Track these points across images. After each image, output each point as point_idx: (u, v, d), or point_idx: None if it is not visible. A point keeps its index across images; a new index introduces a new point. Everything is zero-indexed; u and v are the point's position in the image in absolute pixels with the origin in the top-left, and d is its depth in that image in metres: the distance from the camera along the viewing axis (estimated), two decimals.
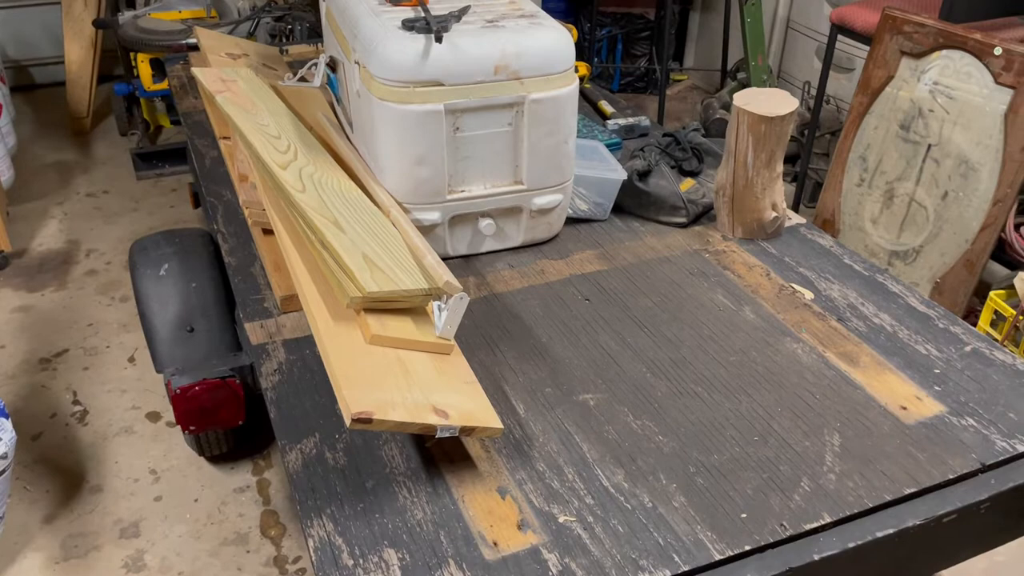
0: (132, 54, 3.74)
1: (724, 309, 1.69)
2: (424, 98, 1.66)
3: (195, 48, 3.05)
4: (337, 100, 2.15)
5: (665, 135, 2.18)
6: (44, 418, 2.36)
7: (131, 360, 2.59)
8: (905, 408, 1.42)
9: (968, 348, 1.57)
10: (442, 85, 1.66)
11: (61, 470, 2.19)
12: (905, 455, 1.32)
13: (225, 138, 2.25)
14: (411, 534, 1.19)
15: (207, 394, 1.72)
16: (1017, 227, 2.46)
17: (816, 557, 1.16)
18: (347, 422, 1.16)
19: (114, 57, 4.27)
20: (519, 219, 1.88)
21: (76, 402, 2.42)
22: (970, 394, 1.45)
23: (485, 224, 1.84)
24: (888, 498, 1.24)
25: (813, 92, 3.69)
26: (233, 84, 2.10)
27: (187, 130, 2.58)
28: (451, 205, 1.79)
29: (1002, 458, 1.32)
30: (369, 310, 1.39)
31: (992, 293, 2.34)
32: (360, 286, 1.36)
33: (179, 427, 2.28)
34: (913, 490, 1.26)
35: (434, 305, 1.45)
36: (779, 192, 1.90)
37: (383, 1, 1.84)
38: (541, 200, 1.85)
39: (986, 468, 1.31)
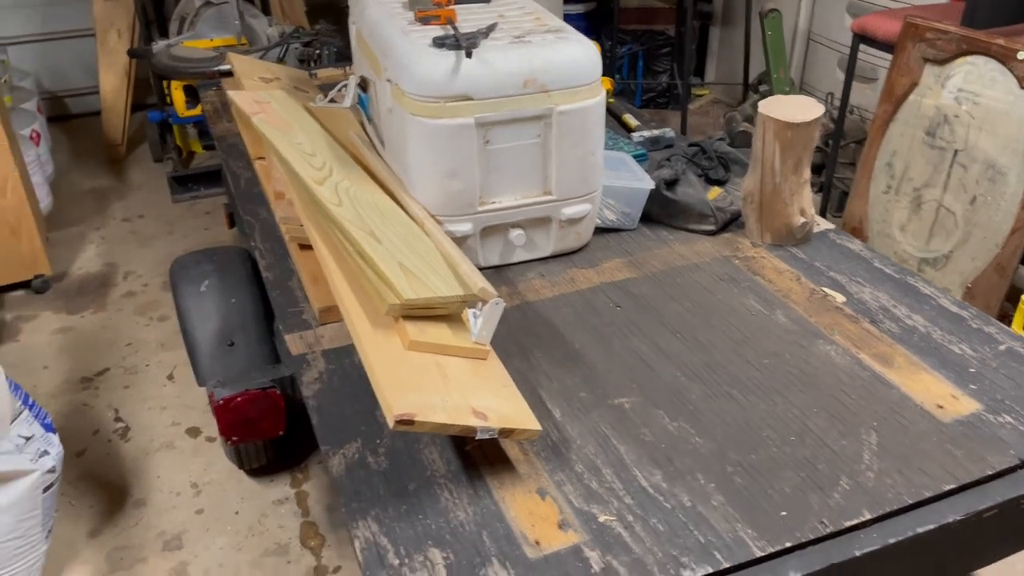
0: (165, 82, 3.84)
1: (756, 314, 1.71)
2: (455, 112, 1.70)
3: (227, 74, 3.13)
4: (368, 119, 2.20)
5: (691, 145, 2.21)
6: (87, 435, 2.42)
7: (170, 378, 2.64)
8: (941, 407, 1.42)
9: (1003, 347, 1.57)
10: (472, 99, 1.70)
11: (105, 485, 2.24)
12: (943, 452, 1.32)
13: (260, 158, 2.32)
14: (454, 534, 1.21)
15: (249, 405, 1.76)
16: None
17: (858, 553, 1.16)
18: (390, 423, 1.19)
19: (147, 86, 4.39)
20: (549, 229, 1.91)
21: (118, 419, 2.47)
22: (1006, 392, 1.45)
23: (516, 235, 1.87)
24: (928, 495, 1.24)
25: (836, 102, 3.70)
26: (267, 106, 2.16)
27: (222, 153, 2.65)
28: (482, 216, 1.83)
29: None
30: (407, 317, 1.42)
31: None
32: (398, 293, 1.39)
33: (218, 442, 2.33)
34: (952, 486, 1.26)
35: (469, 312, 1.49)
36: (807, 198, 1.91)
37: (412, 21, 1.89)
38: (570, 210, 1.88)
39: None
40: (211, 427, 2.41)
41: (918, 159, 2.71)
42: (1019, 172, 2.43)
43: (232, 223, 2.86)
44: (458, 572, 1.15)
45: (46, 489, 1.85)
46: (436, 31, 1.81)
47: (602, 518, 1.23)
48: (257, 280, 2.07)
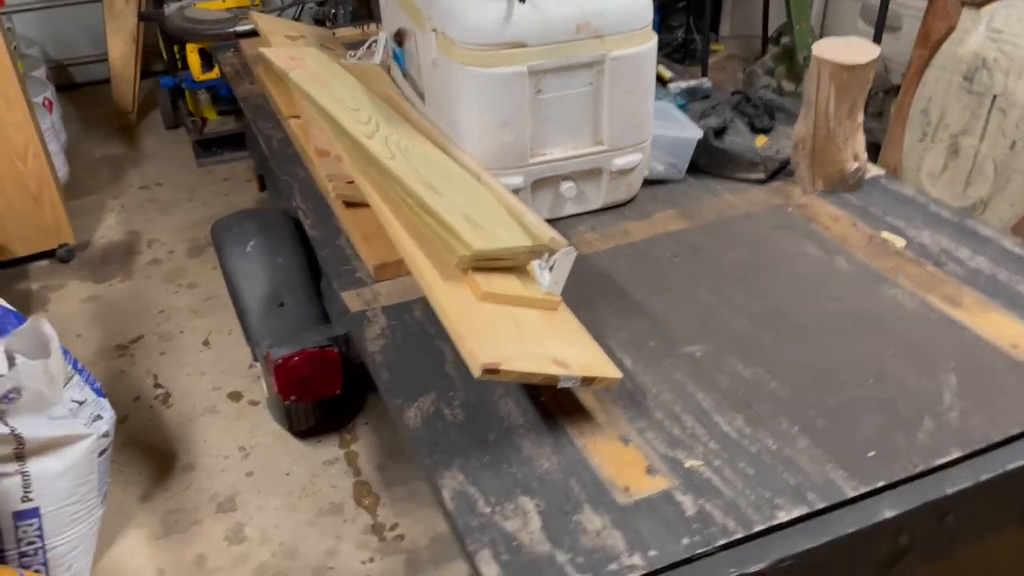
0: (176, 47, 3.76)
1: (816, 260, 1.69)
2: (508, 60, 1.66)
3: (244, 36, 3.07)
4: (404, 74, 2.16)
5: (735, 93, 2.17)
6: (128, 401, 2.41)
7: (205, 343, 2.63)
8: (1016, 346, 1.41)
9: None
10: (525, 46, 1.66)
11: (151, 450, 2.23)
12: None
13: (294, 117, 2.27)
14: (541, 482, 1.20)
15: (307, 364, 1.74)
16: None
17: (950, 491, 1.16)
18: (475, 373, 1.17)
19: (153, 53, 4.30)
20: (599, 181, 1.88)
21: (158, 385, 2.46)
22: None
23: (566, 187, 1.85)
24: (1016, 431, 1.23)
25: None
26: (302, 62, 2.12)
27: (248, 114, 2.59)
28: (534, 169, 1.80)
29: None
30: (476, 269, 1.40)
31: None
32: (467, 244, 1.37)
33: (262, 405, 2.32)
34: None
35: (535, 263, 1.46)
36: (860, 142, 1.88)
37: None
38: (621, 160, 1.85)
39: None
40: (253, 391, 2.40)
41: (955, 105, 2.67)
42: None
43: (263, 186, 2.82)
44: (551, 518, 1.14)
45: (100, 453, 1.84)
46: None
47: (688, 463, 1.22)
48: (300, 240, 2.04)
